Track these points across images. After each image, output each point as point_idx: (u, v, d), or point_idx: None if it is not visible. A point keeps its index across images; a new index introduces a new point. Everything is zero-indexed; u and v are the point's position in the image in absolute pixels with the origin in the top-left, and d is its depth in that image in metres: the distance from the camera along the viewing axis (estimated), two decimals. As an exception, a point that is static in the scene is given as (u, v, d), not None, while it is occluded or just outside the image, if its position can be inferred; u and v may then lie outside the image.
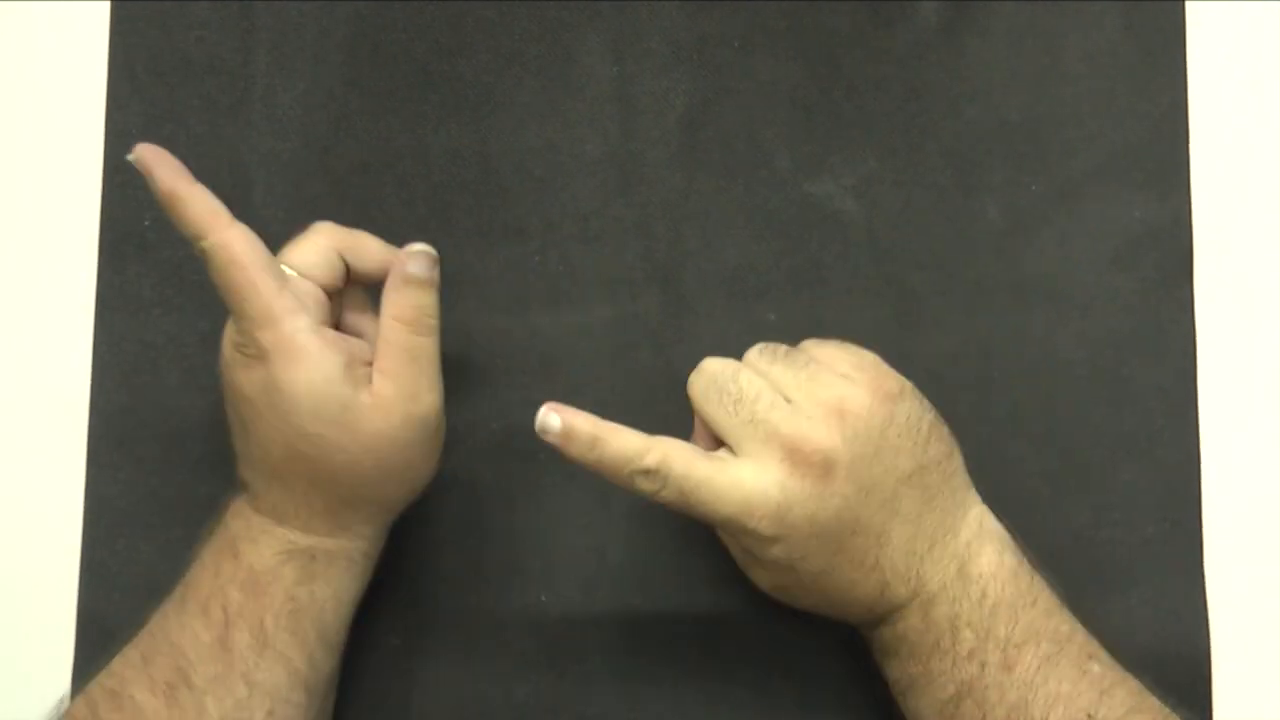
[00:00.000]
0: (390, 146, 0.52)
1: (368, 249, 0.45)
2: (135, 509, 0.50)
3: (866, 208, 0.51)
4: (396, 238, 0.51)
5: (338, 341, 0.42)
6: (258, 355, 0.41)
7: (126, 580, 0.50)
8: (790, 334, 0.48)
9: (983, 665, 0.40)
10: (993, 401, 0.50)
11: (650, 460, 0.40)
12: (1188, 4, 0.52)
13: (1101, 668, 0.41)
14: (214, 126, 0.52)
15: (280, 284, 0.41)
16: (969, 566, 0.42)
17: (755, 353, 0.44)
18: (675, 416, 0.50)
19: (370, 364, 0.43)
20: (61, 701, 0.45)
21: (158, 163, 0.41)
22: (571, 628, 0.49)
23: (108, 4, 0.53)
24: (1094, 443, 0.50)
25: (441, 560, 0.50)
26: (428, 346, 0.43)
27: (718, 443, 0.43)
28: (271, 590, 0.42)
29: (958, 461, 0.43)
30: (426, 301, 0.43)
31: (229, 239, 0.41)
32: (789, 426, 0.41)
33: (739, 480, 0.40)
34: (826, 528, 0.41)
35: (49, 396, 0.51)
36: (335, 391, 0.41)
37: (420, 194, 0.52)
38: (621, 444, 0.41)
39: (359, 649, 0.48)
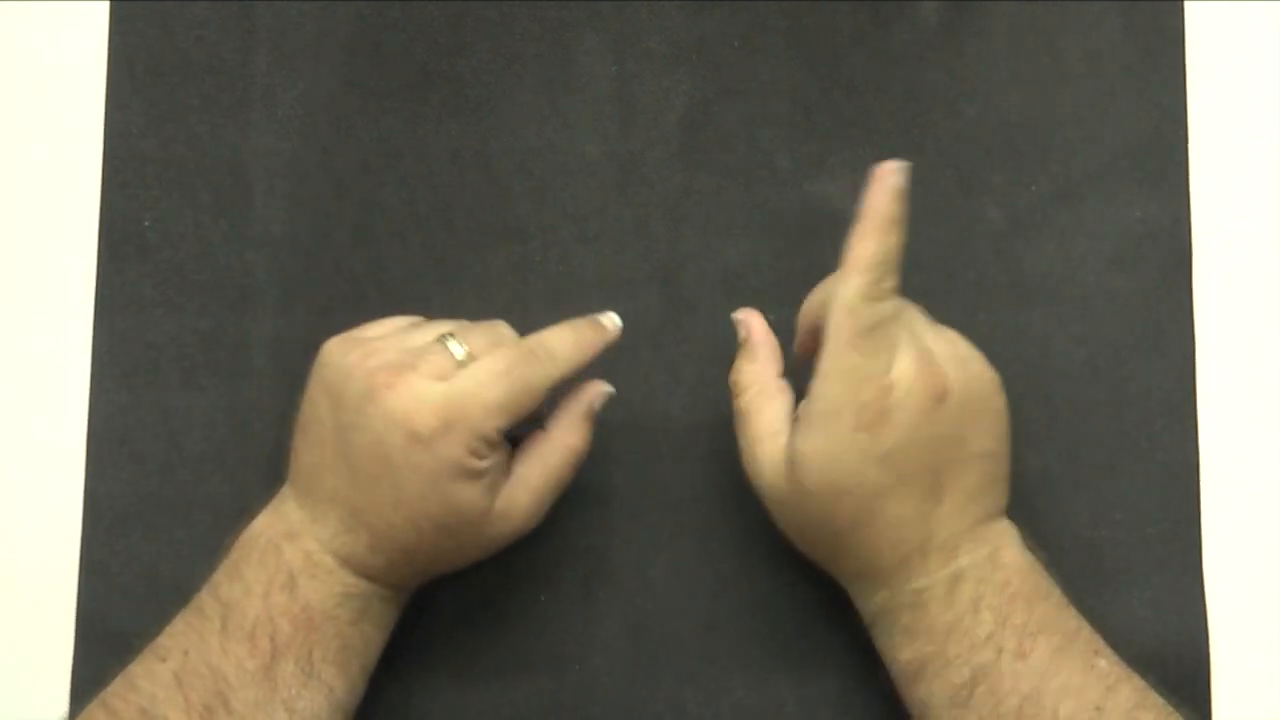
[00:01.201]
0: (390, 146, 0.52)
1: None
2: (135, 509, 0.50)
3: (866, 208, 0.51)
4: (396, 238, 0.51)
5: (504, 455, 0.43)
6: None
7: (126, 580, 0.49)
8: (790, 334, 0.48)
9: (999, 651, 0.40)
10: (992, 401, 0.50)
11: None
12: (1187, 4, 0.52)
13: (1108, 663, 0.41)
14: (214, 126, 0.52)
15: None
16: (1000, 554, 0.42)
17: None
18: (675, 416, 0.50)
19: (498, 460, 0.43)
20: (63, 718, 0.45)
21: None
22: (571, 628, 0.49)
23: (107, 4, 0.53)
24: (1093, 443, 0.50)
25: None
26: (569, 480, 0.45)
27: (779, 397, 0.45)
28: (324, 627, 0.42)
29: (1009, 466, 0.44)
30: (590, 435, 0.45)
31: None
32: (927, 341, 0.42)
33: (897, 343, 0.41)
34: (912, 441, 0.41)
35: (49, 396, 0.51)
36: (485, 505, 0.42)
37: (420, 194, 0.52)
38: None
39: (359, 649, 0.49)
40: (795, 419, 0.43)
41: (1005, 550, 0.43)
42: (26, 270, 0.52)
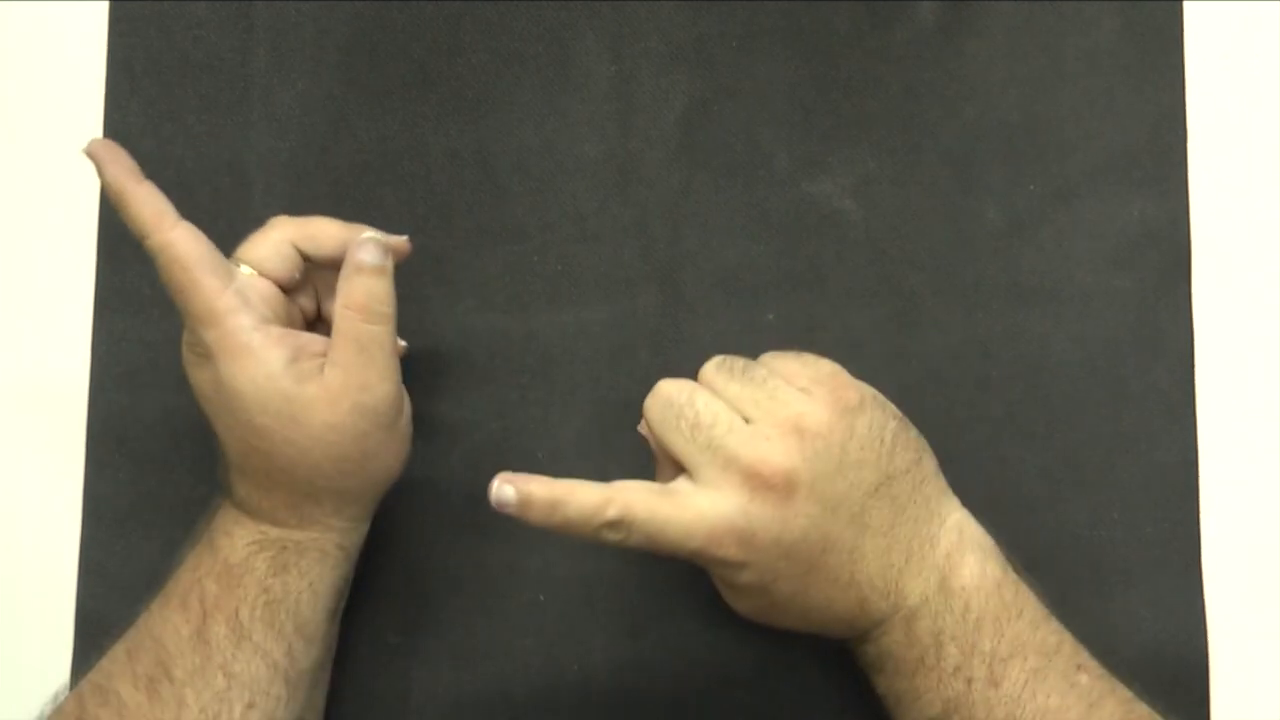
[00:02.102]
0: (389, 146, 0.52)
1: (324, 235, 0.45)
2: (135, 509, 0.50)
3: (865, 208, 0.51)
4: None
5: (284, 337, 0.42)
6: (205, 354, 0.42)
7: (125, 580, 0.50)
8: (789, 334, 0.48)
9: (969, 681, 0.40)
10: (991, 402, 0.50)
11: (612, 513, 0.39)
12: (1186, 4, 0.52)
13: (1090, 679, 0.41)
14: (213, 126, 0.52)
15: (224, 283, 0.41)
16: (950, 579, 0.41)
17: (713, 369, 0.43)
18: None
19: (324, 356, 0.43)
20: (58, 695, 0.45)
21: (109, 159, 0.41)
22: (571, 628, 0.49)
23: (106, 4, 0.53)
24: (1092, 443, 0.50)
25: (441, 560, 0.50)
26: (380, 334, 0.43)
27: (678, 466, 0.42)
28: (245, 581, 0.42)
29: (929, 467, 0.43)
30: (379, 288, 0.43)
31: (173, 239, 0.41)
32: (748, 450, 0.40)
33: (701, 513, 0.40)
34: (795, 548, 0.40)
35: (48, 396, 0.51)
36: (279, 386, 0.41)
37: (419, 194, 0.52)
38: (581, 502, 0.40)
39: (359, 648, 0.49)
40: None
41: (958, 572, 0.41)
42: (26, 270, 0.52)
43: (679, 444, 0.41)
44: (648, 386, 0.50)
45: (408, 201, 0.52)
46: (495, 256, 0.51)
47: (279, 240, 0.44)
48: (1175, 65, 0.52)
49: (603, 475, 0.49)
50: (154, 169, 0.52)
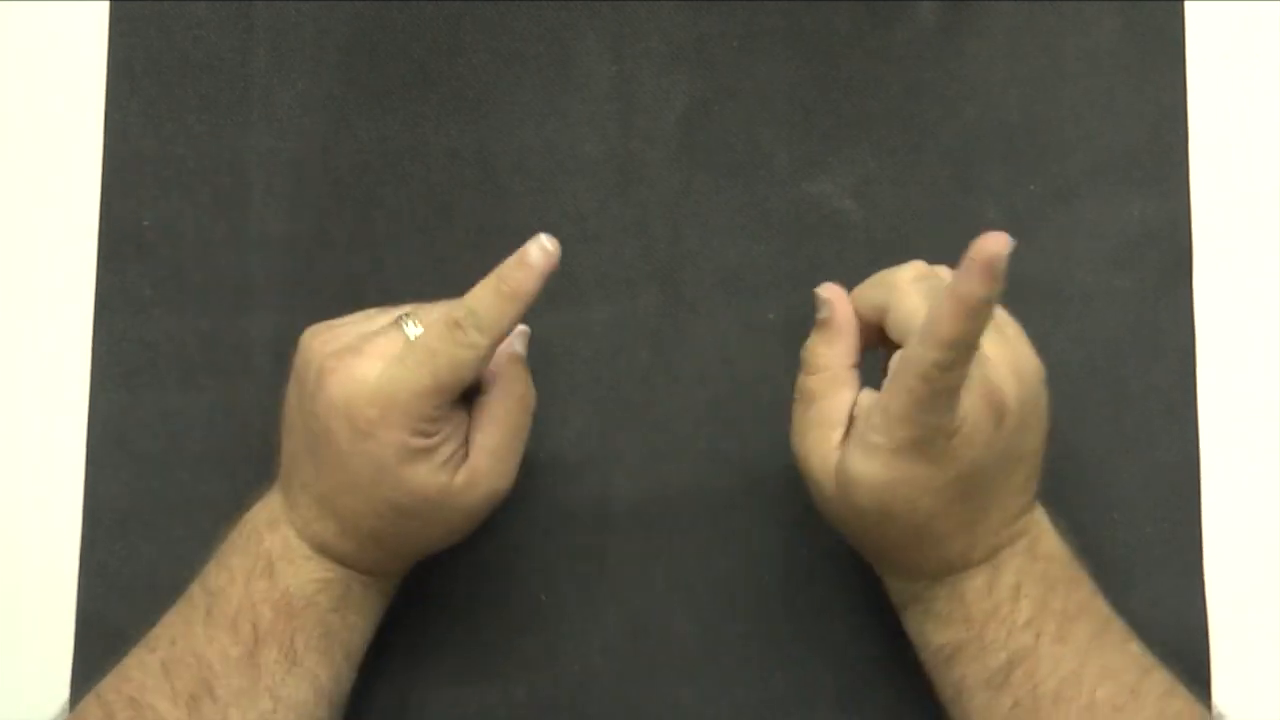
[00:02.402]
0: (389, 146, 0.52)
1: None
2: (135, 509, 0.50)
3: (865, 207, 0.51)
4: (396, 237, 0.51)
5: (456, 426, 0.42)
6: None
7: (126, 581, 0.50)
8: (789, 334, 0.48)
9: (1038, 635, 0.41)
10: (992, 401, 0.50)
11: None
12: (1186, 4, 0.52)
13: (1140, 649, 0.42)
14: (213, 126, 0.52)
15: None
16: (1036, 545, 0.42)
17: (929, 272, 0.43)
18: (673, 417, 0.50)
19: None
20: (61, 712, 0.45)
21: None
22: (571, 628, 0.49)
23: (106, 4, 0.53)
24: (1093, 443, 0.50)
25: (441, 560, 0.50)
26: (528, 427, 0.44)
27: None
28: (305, 614, 0.42)
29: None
30: (530, 385, 0.44)
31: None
32: (986, 351, 0.40)
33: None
34: (972, 469, 0.40)
35: (48, 396, 0.51)
36: (448, 485, 0.41)
37: (419, 194, 0.52)
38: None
39: (358, 649, 0.49)
40: (853, 427, 0.41)
41: (1043, 539, 0.43)
42: (26, 270, 0.52)
43: (941, 379, 0.38)
44: (648, 386, 0.50)
45: (408, 201, 0.52)
46: (496, 257, 0.51)
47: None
48: (1176, 65, 0.52)
49: (603, 475, 0.50)
50: (154, 169, 0.52)
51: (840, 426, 0.42)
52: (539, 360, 0.51)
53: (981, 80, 0.52)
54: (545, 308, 0.51)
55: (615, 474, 0.50)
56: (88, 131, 0.52)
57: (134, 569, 0.50)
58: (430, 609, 0.49)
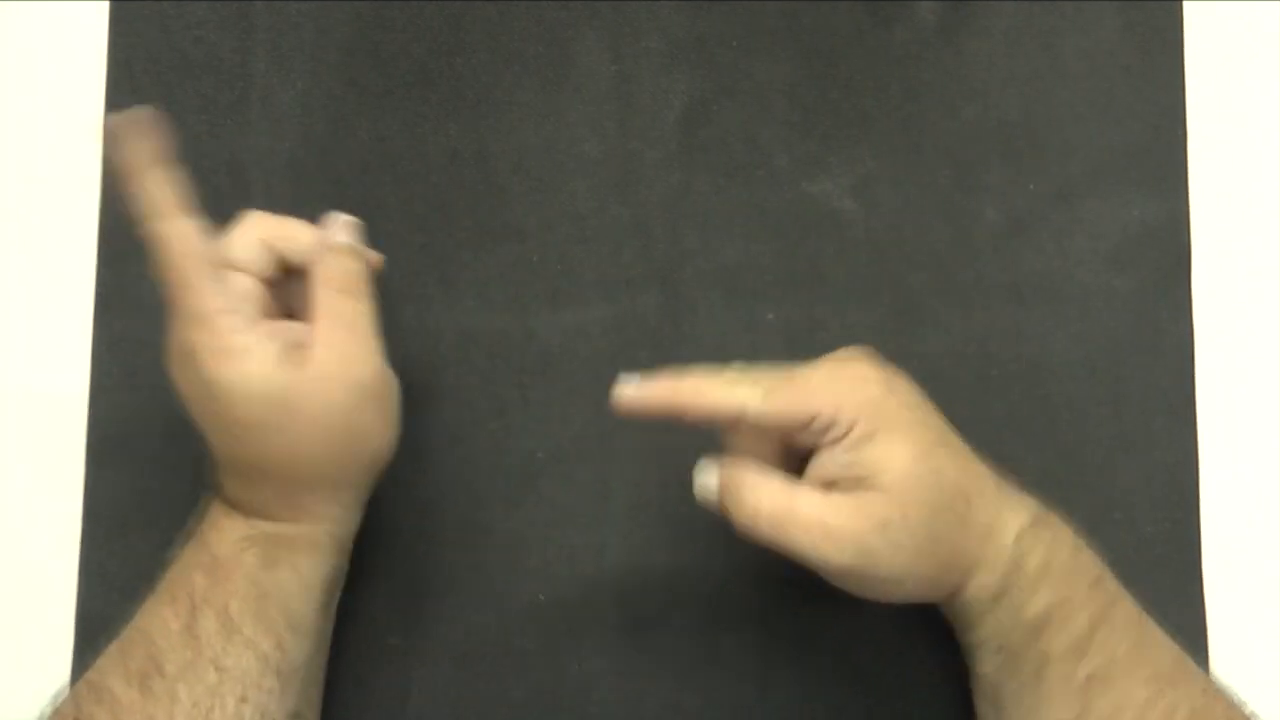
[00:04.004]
0: (389, 146, 0.52)
1: (297, 237, 0.45)
2: (135, 509, 0.50)
3: (865, 207, 0.51)
4: (396, 238, 0.51)
5: (274, 330, 0.43)
6: (192, 353, 0.41)
7: (125, 581, 0.49)
8: (788, 333, 0.48)
9: (1109, 596, 0.42)
10: (991, 401, 0.50)
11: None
12: (1185, 4, 0.52)
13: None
14: (213, 126, 0.52)
15: (214, 283, 0.41)
16: (1061, 532, 0.44)
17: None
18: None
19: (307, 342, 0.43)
20: (58, 695, 0.45)
21: (138, 134, 0.41)
22: (571, 628, 0.49)
23: (107, 4, 0.53)
24: (1092, 443, 0.50)
25: (441, 560, 0.50)
26: (361, 311, 0.43)
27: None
28: (235, 576, 0.42)
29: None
30: (354, 267, 0.44)
31: (169, 232, 0.41)
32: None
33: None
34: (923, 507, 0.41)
35: (48, 396, 0.51)
36: (274, 378, 0.41)
37: (419, 194, 0.52)
38: None
39: (359, 649, 0.49)
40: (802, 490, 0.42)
41: (1064, 530, 0.44)
42: (26, 270, 0.52)
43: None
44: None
45: (407, 201, 0.52)
46: (495, 256, 0.51)
47: (255, 239, 0.44)
48: (1175, 65, 0.52)
49: (602, 476, 0.50)
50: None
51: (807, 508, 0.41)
52: (539, 360, 0.51)
53: (981, 80, 0.52)
54: (545, 308, 0.51)
55: (615, 474, 0.50)
56: (88, 132, 0.52)
57: (134, 569, 0.49)
58: (429, 609, 0.49)
